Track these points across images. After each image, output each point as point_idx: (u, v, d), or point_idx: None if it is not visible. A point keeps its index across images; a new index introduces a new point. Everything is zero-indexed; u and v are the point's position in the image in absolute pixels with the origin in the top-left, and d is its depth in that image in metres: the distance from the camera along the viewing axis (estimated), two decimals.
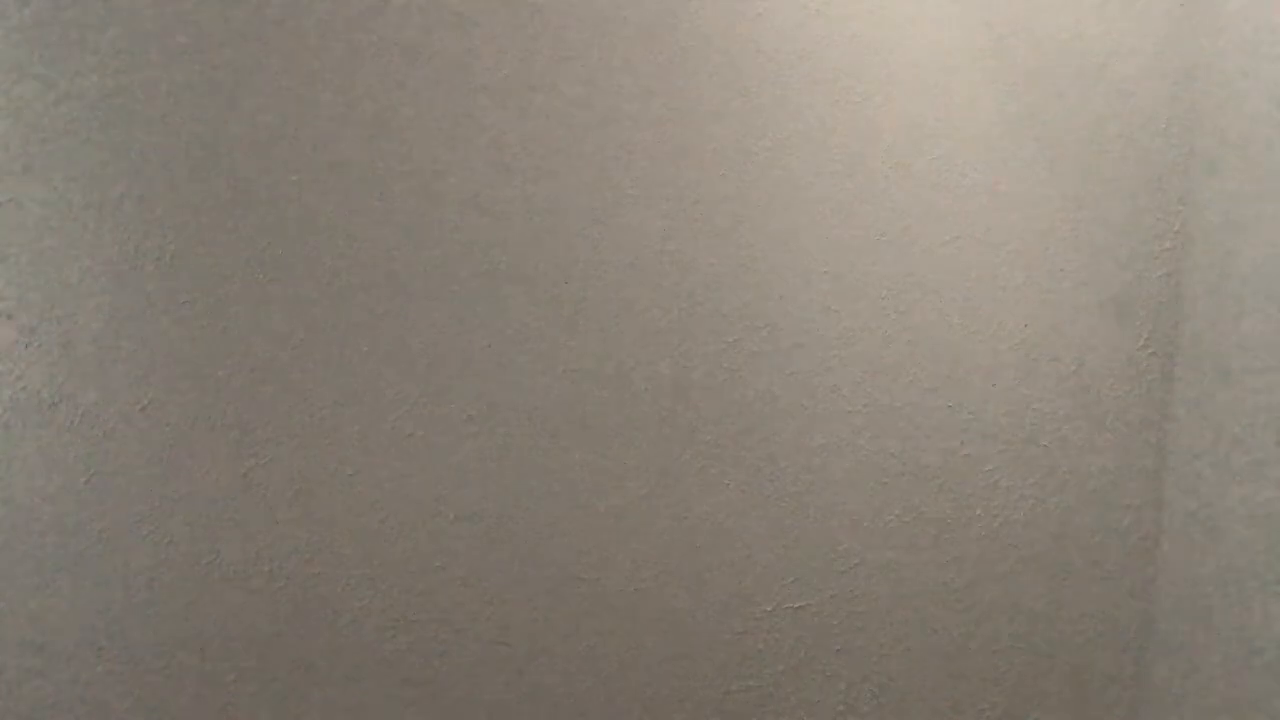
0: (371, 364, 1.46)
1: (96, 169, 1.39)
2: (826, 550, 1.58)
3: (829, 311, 1.55)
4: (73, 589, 1.42)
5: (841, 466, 1.57)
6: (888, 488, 1.59)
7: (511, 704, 1.53)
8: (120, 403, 1.42)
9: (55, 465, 1.41)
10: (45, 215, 1.39)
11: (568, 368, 1.50)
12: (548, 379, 1.50)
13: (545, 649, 1.53)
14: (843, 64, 1.52)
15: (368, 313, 1.46)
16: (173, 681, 1.45)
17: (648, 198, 1.50)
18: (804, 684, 1.58)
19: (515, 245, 1.48)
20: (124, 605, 1.43)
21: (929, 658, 1.62)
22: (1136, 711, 1.66)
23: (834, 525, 1.58)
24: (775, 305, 1.54)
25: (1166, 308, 1.61)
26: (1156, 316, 1.61)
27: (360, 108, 1.44)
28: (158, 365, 1.42)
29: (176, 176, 1.41)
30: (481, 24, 1.45)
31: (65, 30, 1.38)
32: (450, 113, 1.45)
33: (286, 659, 1.47)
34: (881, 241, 1.55)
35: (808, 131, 1.52)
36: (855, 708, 1.60)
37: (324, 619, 1.48)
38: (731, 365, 1.54)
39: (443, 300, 1.47)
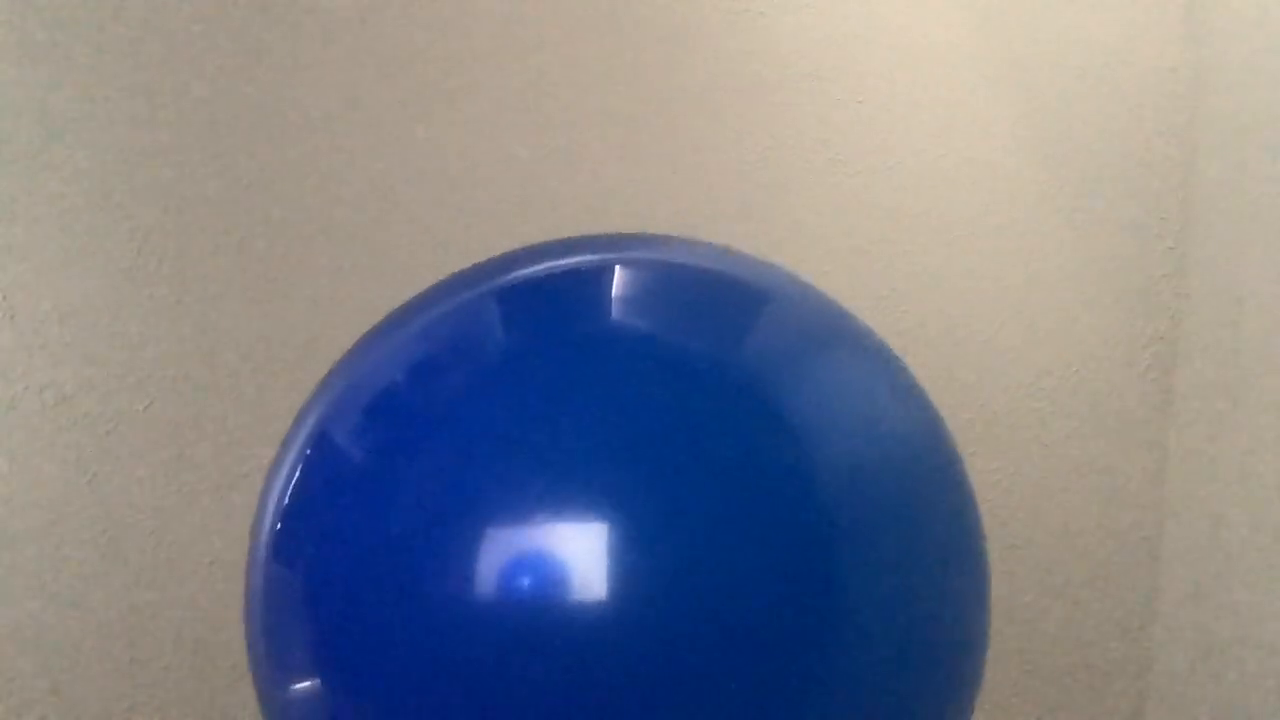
0: None
1: (98, 168, 1.39)
2: None
3: None
4: (73, 589, 1.42)
5: None
6: None
7: None
8: (120, 403, 1.42)
9: (55, 465, 1.41)
10: (46, 215, 1.39)
11: None
12: None
13: None
14: (843, 64, 1.52)
15: (368, 312, 1.46)
16: (173, 681, 1.45)
17: (647, 197, 1.50)
18: None
19: (515, 246, 1.48)
20: (124, 605, 1.43)
21: None
22: (1139, 711, 1.66)
23: None
24: None
25: (1166, 308, 1.61)
26: (1156, 316, 1.61)
27: (360, 107, 1.44)
28: (158, 365, 1.42)
29: (177, 176, 1.41)
30: (481, 23, 1.45)
31: (67, 30, 1.38)
32: (450, 113, 1.45)
33: None
34: (881, 241, 1.55)
35: (808, 131, 1.52)
36: None
37: None
38: None
39: None
